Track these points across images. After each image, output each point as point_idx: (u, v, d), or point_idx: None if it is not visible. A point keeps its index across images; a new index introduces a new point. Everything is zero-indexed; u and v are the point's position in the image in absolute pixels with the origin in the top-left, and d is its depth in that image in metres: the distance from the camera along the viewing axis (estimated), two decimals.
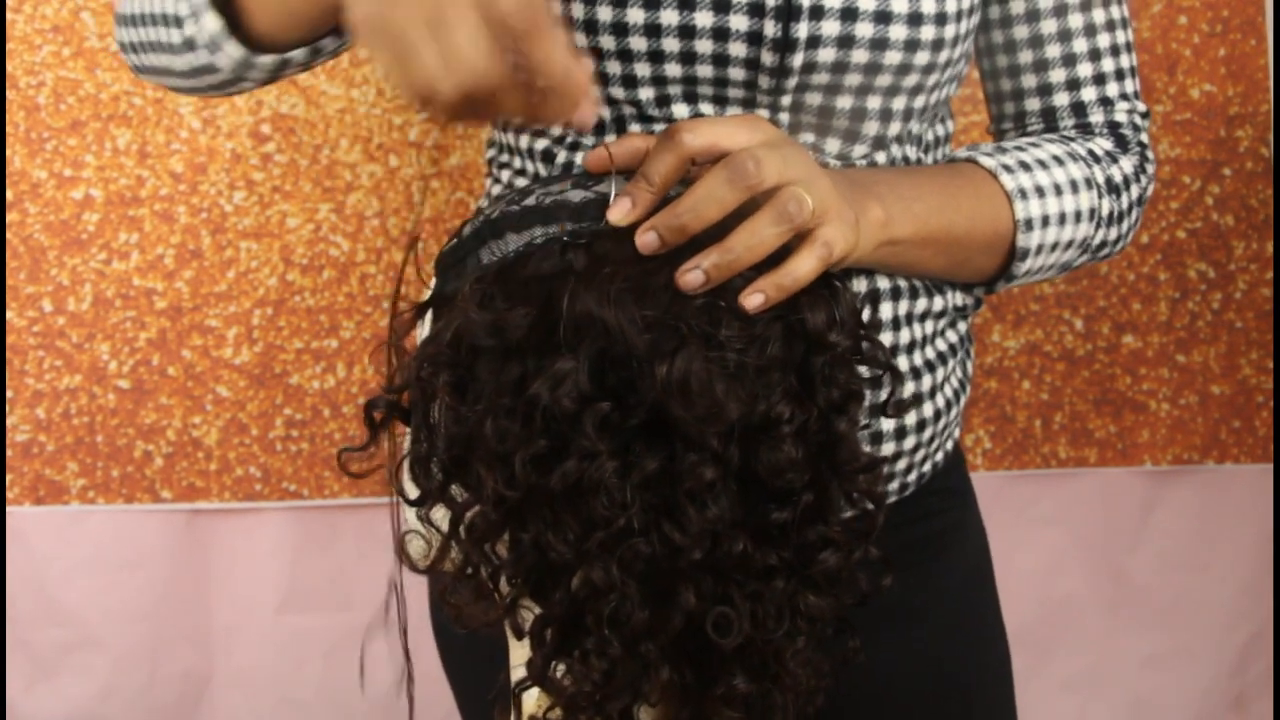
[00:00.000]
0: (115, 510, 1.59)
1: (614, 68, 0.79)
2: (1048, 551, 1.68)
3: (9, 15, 1.51)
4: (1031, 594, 1.68)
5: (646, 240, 0.63)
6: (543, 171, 0.87)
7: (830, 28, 0.76)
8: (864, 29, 0.76)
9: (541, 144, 0.86)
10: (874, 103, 0.80)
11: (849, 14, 0.76)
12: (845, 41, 0.76)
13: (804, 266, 0.64)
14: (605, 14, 0.76)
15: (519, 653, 0.74)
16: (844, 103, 0.79)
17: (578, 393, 0.61)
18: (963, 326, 0.92)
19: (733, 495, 0.63)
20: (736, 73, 0.78)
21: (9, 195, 1.53)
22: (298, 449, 1.59)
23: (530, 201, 0.68)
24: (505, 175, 0.91)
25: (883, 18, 0.76)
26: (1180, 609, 1.69)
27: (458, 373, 0.64)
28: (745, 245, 0.63)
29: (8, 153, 1.53)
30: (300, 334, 1.58)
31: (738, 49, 0.77)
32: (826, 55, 0.76)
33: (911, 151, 0.86)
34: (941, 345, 0.88)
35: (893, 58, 0.77)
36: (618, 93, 0.80)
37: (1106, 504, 1.67)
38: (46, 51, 1.52)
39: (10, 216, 1.54)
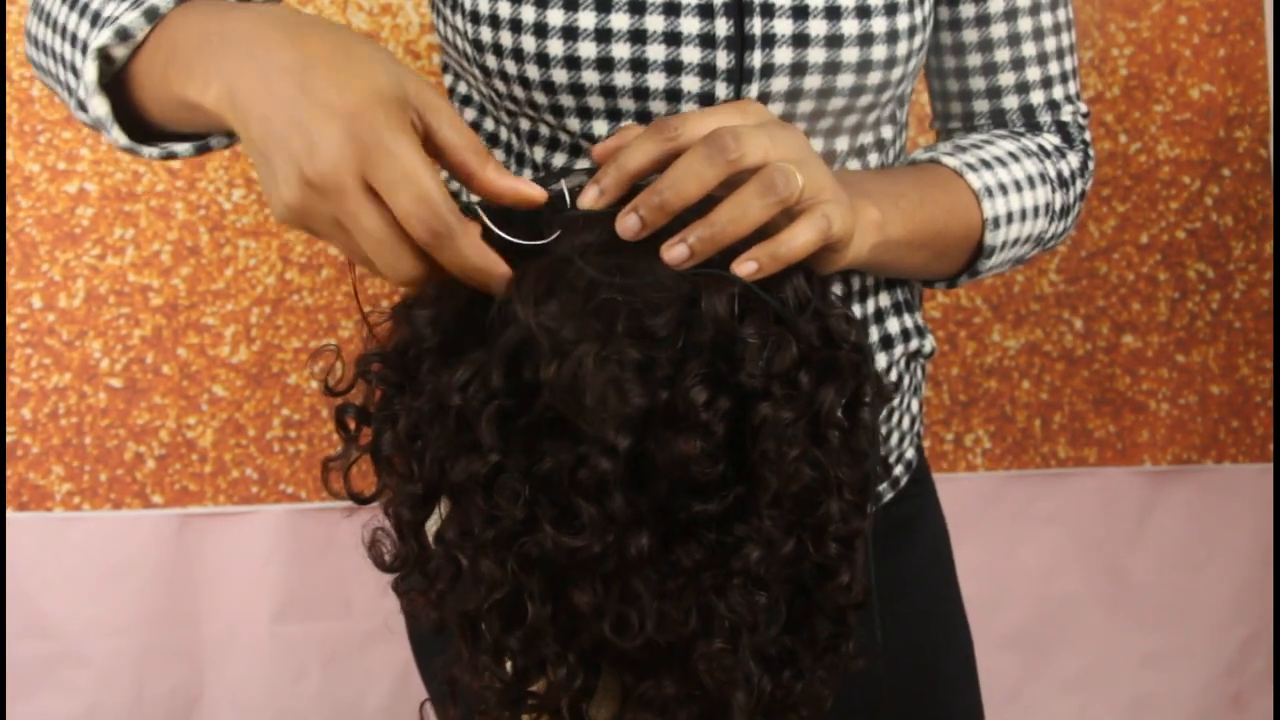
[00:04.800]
0: (102, 516, 1.54)
1: (560, 76, 0.75)
2: (1047, 551, 1.69)
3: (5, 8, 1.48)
4: (1031, 593, 1.69)
5: (628, 223, 0.61)
6: None
7: (784, 26, 0.75)
8: (818, 26, 0.76)
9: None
10: (836, 104, 0.79)
11: (800, 12, 0.75)
12: (800, 40, 0.75)
13: (801, 236, 0.62)
14: (556, 18, 0.74)
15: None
16: (805, 108, 0.78)
17: (484, 390, 0.60)
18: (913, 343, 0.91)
19: (634, 489, 0.61)
20: (691, 82, 0.75)
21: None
22: (295, 450, 1.56)
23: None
24: None
25: (833, 13, 0.76)
26: (1179, 608, 1.71)
27: (397, 370, 0.65)
28: (729, 218, 0.61)
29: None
30: (299, 333, 1.55)
31: (690, 54, 0.75)
32: (784, 55, 0.76)
33: (874, 158, 0.86)
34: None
35: (850, 54, 0.76)
36: (567, 101, 0.77)
37: (1106, 504, 1.68)
38: None
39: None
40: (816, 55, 0.75)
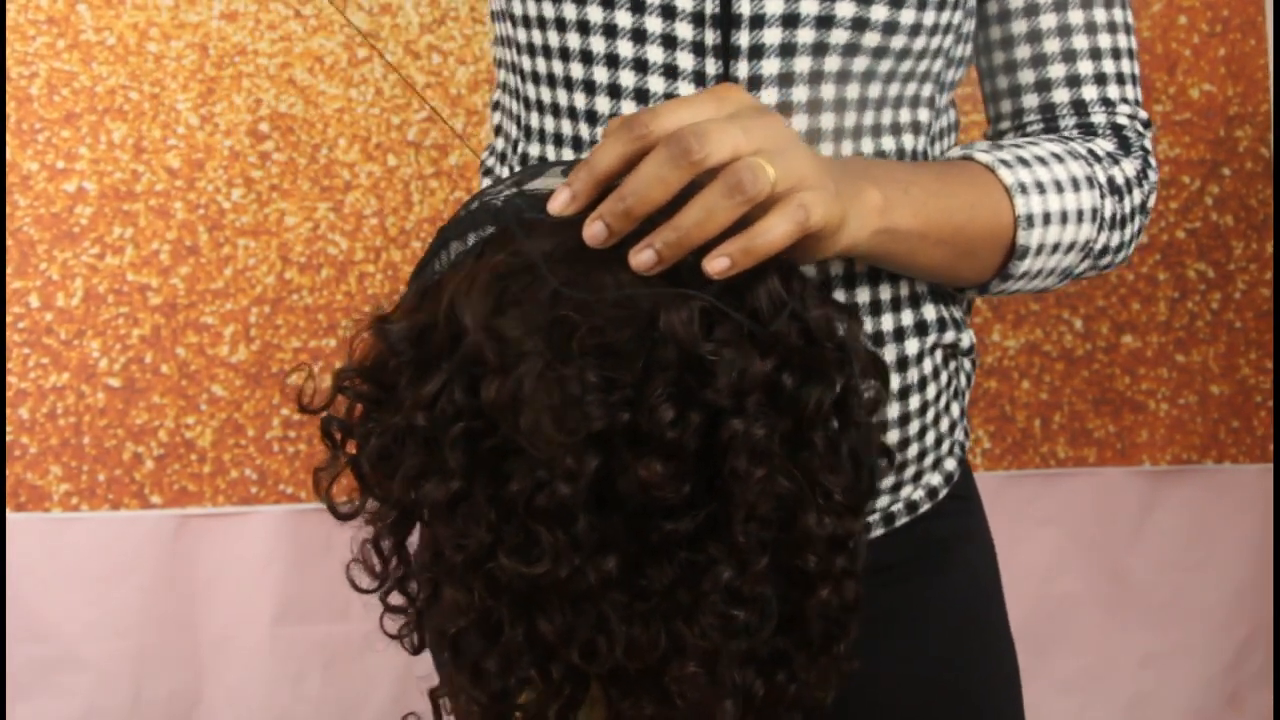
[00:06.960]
0: (101, 517, 1.53)
1: (576, 71, 0.78)
2: (1047, 551, 1.69)
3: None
4: (1030, 593, 1.69)
5: (594, 231, 0.59)
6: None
7: (772, 36, 0.75)
8: (805, 34, 0.75)
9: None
10: (828, 93, 0.78)
11: (790, 20, 0.74)
12: (788, 50, 0.75)
13: (776, 229, 0.59)
14: (570, 12, 0.76)
15: None
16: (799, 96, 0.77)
17: (451, 408, 0.59)
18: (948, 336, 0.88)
19: (600, 511, 0.59)
20: (686, 87, 0.76)
21: None
22: (295, 450, 1.55)
23: (474, 205, 0.66)
24: None
25: (824, 22, 0.75)
26: (1179, 608, 1.71)
27: (375, 385, 0.64)
28: (694, 220, 0.58)
29: None
30: (298, 333, 1.55)
31: (685, 60, 0.76)
32: (771, 67, 0.75)
33: (909, 141, 0.83)
34: (914, 351, 0.84)
35: (833, 64, 0.76)
36: (579, 100, 0.79)
37: (1105, 503, 1.68)
38: (40, 43, 1.48)
39: None
40: (805, 35, 0.75)
